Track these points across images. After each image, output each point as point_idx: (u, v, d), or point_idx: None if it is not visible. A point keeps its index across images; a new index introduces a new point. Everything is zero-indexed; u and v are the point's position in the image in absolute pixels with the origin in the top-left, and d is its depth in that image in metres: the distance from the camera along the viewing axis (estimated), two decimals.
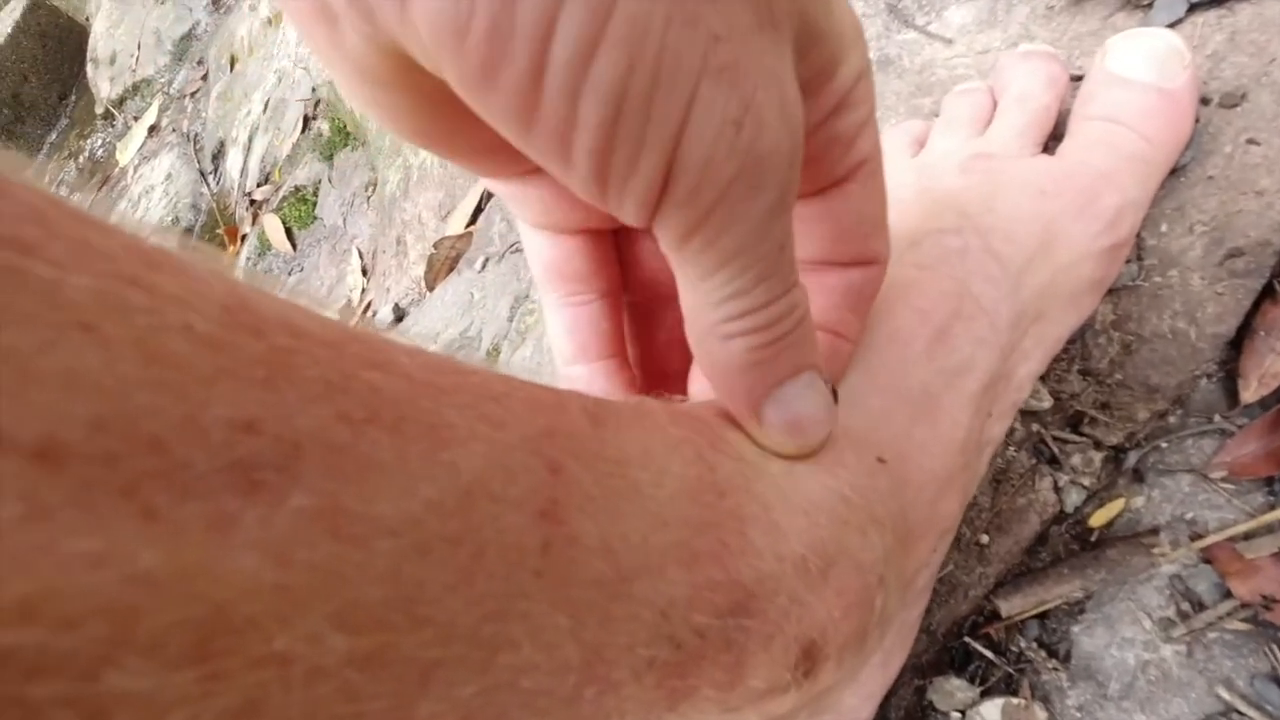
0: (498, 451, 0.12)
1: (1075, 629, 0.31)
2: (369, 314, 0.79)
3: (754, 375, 0.18)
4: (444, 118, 0.17)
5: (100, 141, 1.60)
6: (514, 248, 0.59)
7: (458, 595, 0.11)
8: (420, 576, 0.10)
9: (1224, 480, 0.29)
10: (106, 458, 0.08)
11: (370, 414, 0.10)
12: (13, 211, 0.08)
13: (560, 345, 0.24)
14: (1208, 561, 0.29)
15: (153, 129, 1.41)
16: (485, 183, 0.22)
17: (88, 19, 1.77)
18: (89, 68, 1.64)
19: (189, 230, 1.18)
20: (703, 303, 0.17)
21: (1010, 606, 0.31)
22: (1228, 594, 0.28)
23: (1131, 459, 0.31)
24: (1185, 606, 0.29)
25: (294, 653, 0.09)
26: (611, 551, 0.13)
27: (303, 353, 0.10)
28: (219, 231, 1.14)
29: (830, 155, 0.19)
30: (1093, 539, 0.31)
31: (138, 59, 1.53)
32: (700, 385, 0.23)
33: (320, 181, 0.93)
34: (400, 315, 0.72)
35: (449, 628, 0.11)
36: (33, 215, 0.08)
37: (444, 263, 0.66)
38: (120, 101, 1.54)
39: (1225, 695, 0.27)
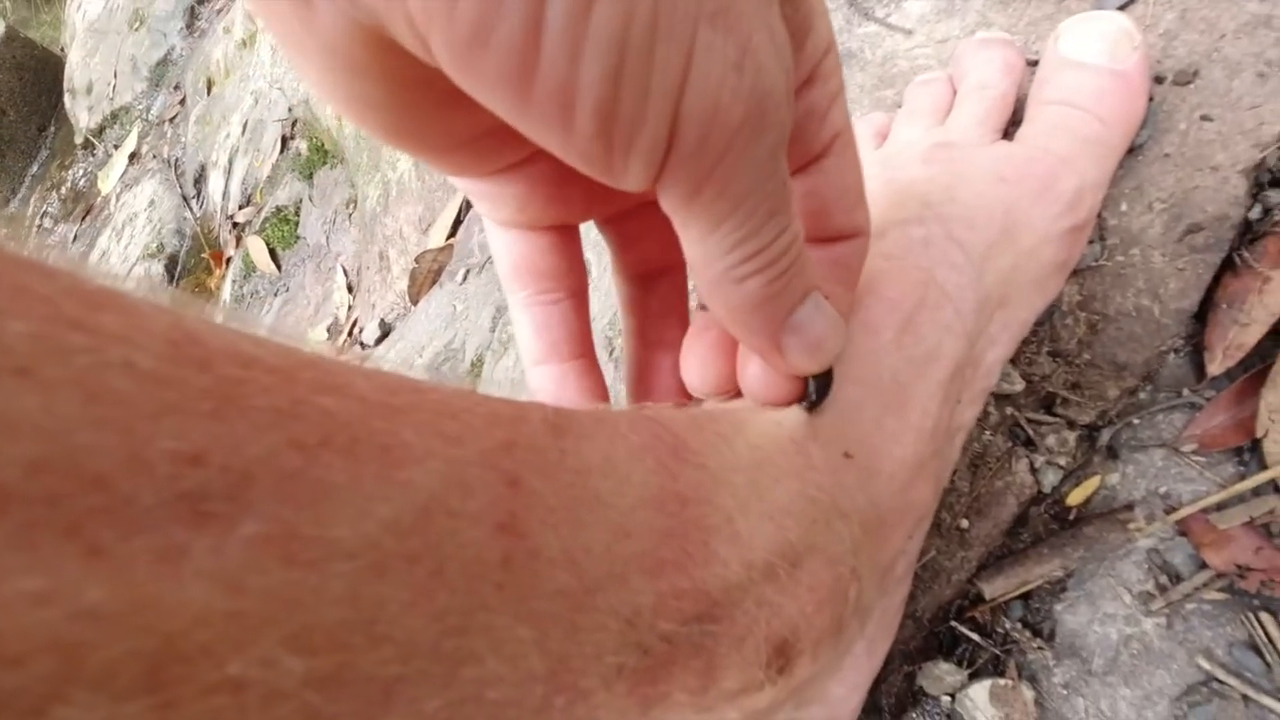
0: (454, 468, 0.12)
1: (1058, 607, 0.31)
2: (356, 331, 0.79)
3: (770, 309, 0.18)
4: (420, 108, 0.16)
5: (82, 171, 1.59)
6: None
7: (418, 612, 0.11)
8: (379, 595, 0.10)
9: (1195, 453, 0.30)
10: (48, 498, 0.08)
11: (323, 439, 0.11)
12: None
13: (529, 345, 0.23)
14: (1183, 534, 0.29)
15: (133, 156, 1.41)
16: (456, 183, 0.22)
17: (63, 49, 1.77)
18: (67, 98, 1.64)
19: (174, 256, 1.18)
20: (713, 252, 0.17)
21: (993, 589, 0.32)
22: (1203, 565, 0.29)
23: (1105, 436, 0.32)
24: (1163, 579, 0.29)
25: (249, 677, 0.09)
26: (574, 562, 0.13)
27: (251, 382, 0.10)
28: (204, 256, 1.14)
29: (807, 130, 0.19)
30: (1071, 518, 0.32)
31: (115, 87, 1.52)
32: (696, 360, 0.23)
33: (301, 201, 0.93)
34: (386, 330, 0.72)
35: (409, 644, 0.11)
36: None
37: (426, 276, 0.66)
38: (100, 130, 1.54)
39: (1205, 665, 0.28)
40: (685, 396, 0.25)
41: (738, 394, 0.23)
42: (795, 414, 0.22)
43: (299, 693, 0.10)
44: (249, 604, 0.09)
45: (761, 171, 0.16)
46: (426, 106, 0.16)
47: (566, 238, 0.23)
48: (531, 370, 0.24)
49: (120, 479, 0.08)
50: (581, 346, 0.24)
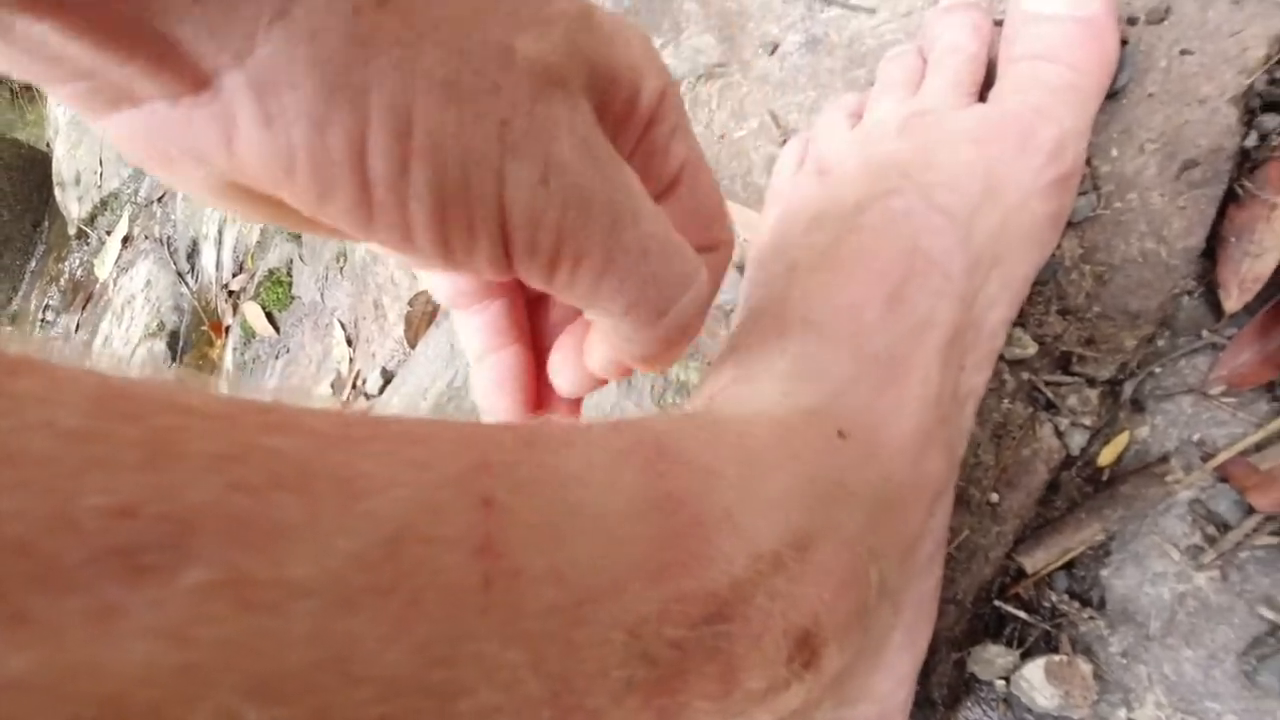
0: (422, 493, 0.12)
1: (1104, 573, 0.30)
2: (360, 383, 0.78)
3: (678, 349, 0.21)
4: (301, 215, 0.18)
5: (78, 261, 1.61)
6: None
7: (396, 646, 0.10)
8: (350, 633, 0.10)
9: (1224, 394, 0.29)
10: None
11: (272, 479, 0.10)
12: None
13: (470, 345, 0.25)
14: (1224, 480, 0.28)
15: (126, 240, 1.43)
16: (365, 245, 0.24)
17: (48, 144, 1.80)
18: (57, 191, 1.67)
19: (175, 333, 1.18)
20: (613, 324, 0.19)
21: (1034, 562, 0.30)
22: (1250, 510, 0.27)
23: (1128, 390, 0.30)
24: (1210, 530, 0.28)
25: None
26: (562, 577, 0.13)
27: (188, 429, 0.10)
28: (204, 328, 1.15)
29: (654, 166, 0.21)
30: (1104, 478, 0.30)
31: (101, 175, 1.55)
32: (563, 377, 0.25)
33: (292, 261, 0.93)
34: (389, 378, 0.72)
35: (392, 681, 0.10)
36: None
37: (422, 318, 0.65)
38: (91, 219, 1.56)
39: (1269, 614, 0.26)
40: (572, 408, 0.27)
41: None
42: (779, 401, 0.22)
43: None
44: (200, 656, 0.08)
45: (607, 248, 0.17)
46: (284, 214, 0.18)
47: None
48: (475, 366, 0.26)
49: (44, 541, 0.08)
50: (513, 336, 0.26)
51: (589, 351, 0.24)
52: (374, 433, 0.12)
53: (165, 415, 0.10)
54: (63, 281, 1.63)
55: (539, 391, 0.26)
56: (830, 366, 0.23)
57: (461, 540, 0.12)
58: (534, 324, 0.27)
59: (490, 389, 0.25)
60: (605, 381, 0.25)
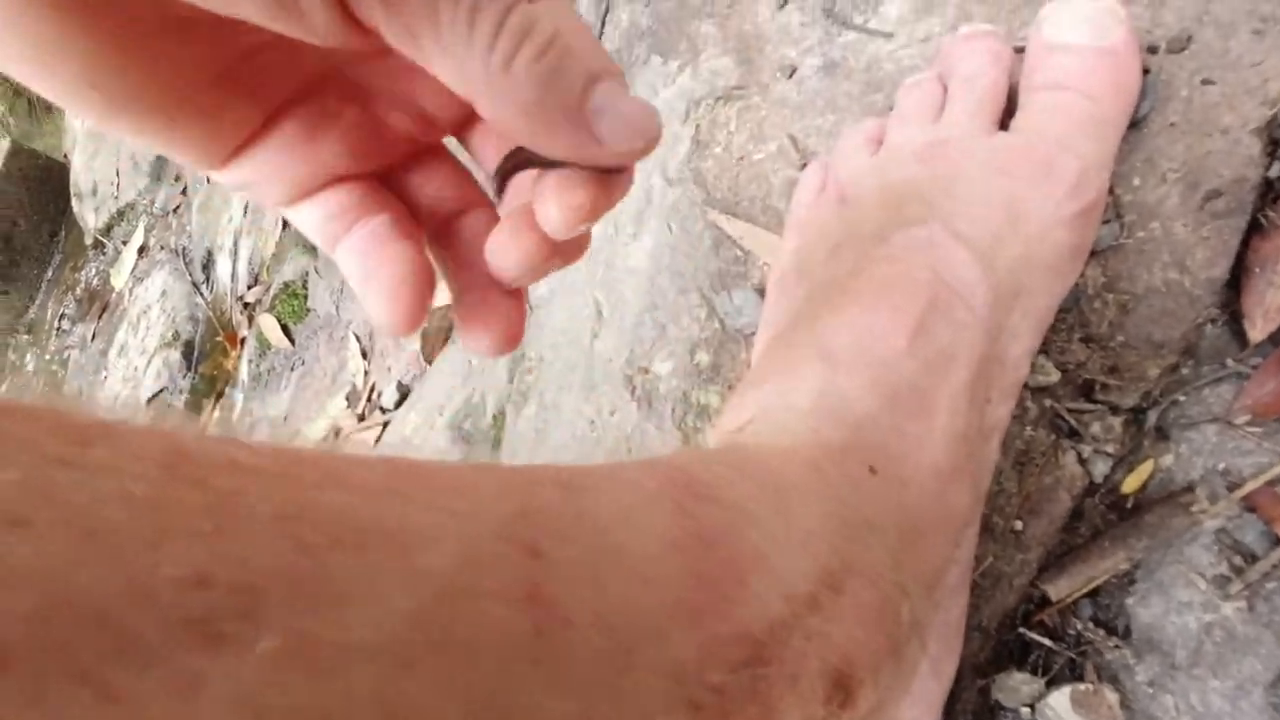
0: (469, 546, 0.12)
1: (1129, 601, 0.30)
2: (375, 396, 0.79)
3: (557, 87, 0.17)
4: (114, 54, 0.16)
5: (94, 270, 1.63)
6: None
7: (452, 701, 0.10)
8: (408, 691, 0.10)
9: (1250, 424, 0.29)
10: (54, 647, 0.08)
11: (332, 538, 0.10)
12: None
13: (352, 270, 0.22)
14: (1251, 509, 0.28)
15: (142, 250, 1.44)
16: (216, 178, 0.21)
17: (66, 155, 1.82)
18: (74, 202, 1.68)
19: (190, 343, 1.19)
20: (463, 53, 0.16)
21: (1058, 589, 0.30)
22: (1277, 540, 0.27)
23: (1152, 418, 0.30)
24: (1237, 560, 0.28)
25: None
26: (607, 624, 0.13)
27: (250, 491, 0.10)
28: (219, 339, 1.16)
29: None
30: (1129, 506, 0.30)
31: (118, 185, 1.56)
32: (502, 242, 0.21)
33: (308, 274, 0.94)
34: (404, 393, 0.72)
35: None
36: None
37: (438, 333, 0.66)
38: (108, 229, 1.58)
39: None
40: (511, 299, 0.22)
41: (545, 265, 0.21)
42: (808, 437, 0.22)
43: None
44: None
45: None
46: (120, 51, 0.16)
47: (354, 185, 0.22)
48: (362, 289, 0.22)
49: (126, 615, 0.08)
50: (401, 232, 0.22)
51: (541, 210, 0.19)
52: (421, 485, 0.12)
53: (225, 476, 0.10)
54: (79, 291, 1.65)
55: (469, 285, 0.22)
56: (856, 401, 0.23)
57: (511, 591, 0.12)
58: (450, 251, 0.23)
59: (378, 292, 0.21)
60: (552, 259, 0.20)
